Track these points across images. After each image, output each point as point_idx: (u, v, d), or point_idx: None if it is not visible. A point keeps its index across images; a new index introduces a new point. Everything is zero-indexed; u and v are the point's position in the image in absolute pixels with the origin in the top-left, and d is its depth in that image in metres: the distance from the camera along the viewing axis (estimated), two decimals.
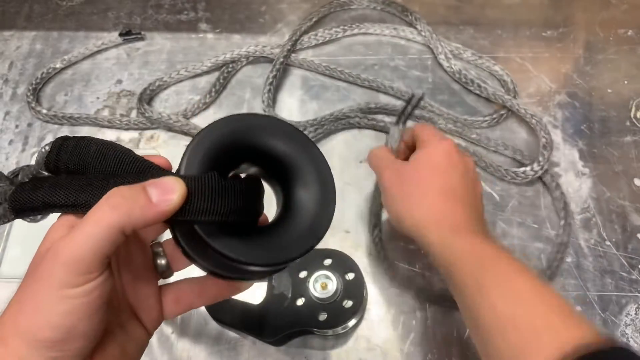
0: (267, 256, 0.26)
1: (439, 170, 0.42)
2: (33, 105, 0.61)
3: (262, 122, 0.28)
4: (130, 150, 0.27)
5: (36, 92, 0.63)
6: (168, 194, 0.24)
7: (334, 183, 0.28)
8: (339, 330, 0.47)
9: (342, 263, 0.48)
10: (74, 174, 0.27)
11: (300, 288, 0.47)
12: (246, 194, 0.26)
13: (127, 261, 0.29)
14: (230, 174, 0.28)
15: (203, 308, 0.49)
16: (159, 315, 0.30)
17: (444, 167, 0.42)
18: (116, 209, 0.23)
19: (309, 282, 0.47)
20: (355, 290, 0.47)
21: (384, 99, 0.61)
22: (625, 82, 0.61)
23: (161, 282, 0.31)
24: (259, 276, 0.30)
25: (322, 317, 0.46)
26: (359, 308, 0.46)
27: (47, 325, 0.23)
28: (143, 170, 0.26)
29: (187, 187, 0.24)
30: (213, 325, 0.49)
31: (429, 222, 0.40)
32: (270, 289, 0.47)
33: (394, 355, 0.48)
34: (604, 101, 0.60)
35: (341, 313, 0.46)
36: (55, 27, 0.69)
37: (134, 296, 0.30)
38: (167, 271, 0.31)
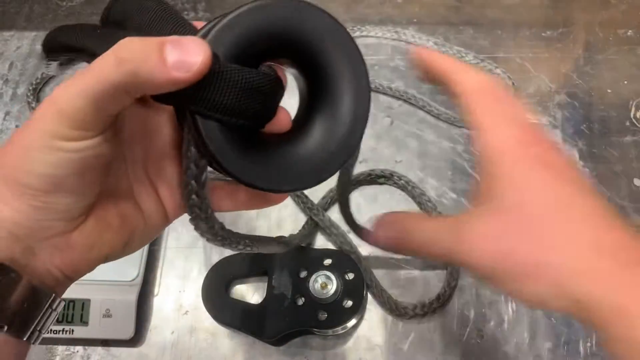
0: (290, 179, 0.24)
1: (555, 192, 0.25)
2: (33, 105, 0.61)
3: (318, 21, 0.25)
4: (176, 11, 0.23)
5: (36, 93, 0.63)
6: (188, 56, 0.20)
7: (369, 100, 0.25)
8: (339, 330, 0.47)
9: (342, 263, 0.48)
10: (115, 26, 0.24)
11: (300, 288, 0.47)
12: (270, 95, 0.23)
13: (149, 136, 0.26)
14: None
15: (203, 308, 0.49)
16: (181, 202, 0.27)
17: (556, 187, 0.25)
18: (121, 65, 0.20)
19: (309, 282, 0.47)
20: (355, 290, 0.47)
21: (383, 99, 0.61)
22: (625, 82, 0.61)
23: None
24: (287, 190, 0.26)
25: (322, 317, 0.46)
26: (359, 308, 0.46)
27: (32, 172, 0.21)
28: (177, 26, 0.23)
29: (213, 55, 0.20)
30: (213, 325, 0.49)
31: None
32: (270, 288, 0.47)
33: (394, 355, 0.48)
34: (604, 101, 0.60)
35: (341, 313, 0.46)
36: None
37: (156, 172, 0.27)
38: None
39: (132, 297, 0.48)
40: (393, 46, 0.65)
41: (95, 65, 0.20)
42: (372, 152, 0.56)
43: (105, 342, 0.49)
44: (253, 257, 0.50)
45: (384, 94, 0.61)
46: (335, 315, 0.46)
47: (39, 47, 0.67)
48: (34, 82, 0.63)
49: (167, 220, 0.28)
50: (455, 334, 0.48)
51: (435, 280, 0.50)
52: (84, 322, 0.48)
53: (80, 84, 0.20)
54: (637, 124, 0.58)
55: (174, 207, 0.27)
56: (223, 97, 0.21)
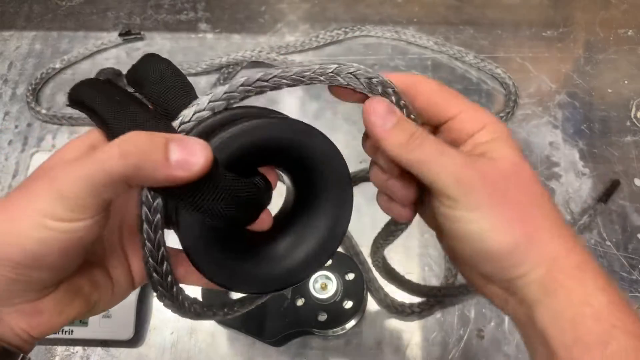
0: (260, 284, 0.25)
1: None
2: (32, 105, 0.61)
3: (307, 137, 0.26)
4: (190, 85, 0.25)
5: (36, 92, 0.63)
6: (191, 157, 0.21)
7: (350, 209, 0.27)
8: (339, 330, 0.47)
9: (342, 263, 0.48)
10: (134, 88, 0.25)
11: (300, 288, 0.47)
12: (257, 206, 0.25)
13: (127, 209, 0.27)
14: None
15: None
16: None
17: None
18: (125, 158, 0.20)
19: (309, 282, 0.47)
20: (355, 291, 0.47)
21: None
22: (626, 82, 0.61)
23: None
24: (252, 293, 0.28)
25: (322, 317, 0.46)
26: (359, 308, 0.46)
27: (18, 246, 0.21)
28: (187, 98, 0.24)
29: (213, 159, 0.21)
30: (213, 325, 0.49)
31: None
32: None
33: (394, 355, 0.47)
34: (604, 101, 0.60)
35: (341, 313, 0.46)
36: (55, 27, 0.69)
37: (130, 242, 0.28)
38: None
39: (132, 297, 0.48)
40: (393, 46, 0.64)
41: (99, 154, 0.21)
42: None
43: (105, 343, 0.49)
44: None
45: None
46: (335, 316, 0.46)
47: (38, 46, 0.67)
48: (34, 82, 0.62)
49: (133, 287, 0.29)
50: (455, 334, 0.48)
51: (434, 281, 0.50)
52: (83, 322, 0.48)
53: (83, 169, 0.21)
54: (638, 124, 0.58)
55: (142, 276, 0.28)
56: (213, 202, 0.22)
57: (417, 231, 0.53)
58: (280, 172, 0.27)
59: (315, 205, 0.26)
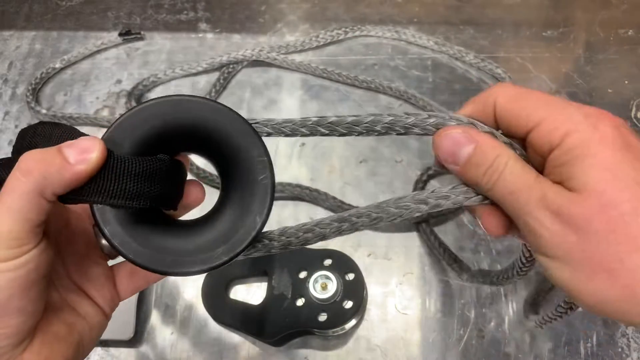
0: (168, 262, 0.25)
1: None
2: (32, 105, 0.61)
3: (208, 110, 0.25)
4: (80, 132, 0.26)
5: (35, 92, 0.63)
6: (86, 153, 0.22)
7: (270, 194, 0.26)
8: (339, 330, 0.47)
9: (342, 263, 0.48)
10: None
11: (300, 288, 0.47)
12: (166, 179, 0.25)
13: (70, 242, 0.28)
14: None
15: (202, 308, 0.49)
16: (112, 293, 0.30)
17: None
18: (29, 173, 0.22)
19: (309, 282, 0.46)
20: (355, 291, 0.47)
21: (383, 98, 0.61)
22: (626, 82, 0.61)
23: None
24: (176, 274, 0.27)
25: (322, 317, 0.46)
26: (359, 308, 0.46)
27: None
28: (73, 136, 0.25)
29: (107, 149, 0.23)
30: (213, 325, 0.49)
31: None
32: (270, 289, 0.47)
33: (394, 355, 0.47)
34: (605, 101, 0.60)
35: (341, 313, 0.46)
36: (55, 27, 0.69)
37: (81, 276, 0.29)
38: (114, 251, 0.28)
39: (132, 297, 0.48)
40: (393, 46, 0.64)
41: (6, 185, 0.22)
42: (372, 152, 0.56)
43: (105, 343, 0.49)
44: (253, 258, 0.50)
45: (384, 93, 0.61)
46: (335, 315, 0.46)
47: (38, 46, 0.67)
48: (33, 82, 0.62)
49: (106, 316, 0.30)
50: (456, 334, 0.48)
51: (434, 281, 0.50)
52: None
53: (1, 207, 0.22)
54: (638, 124, 0.58)
55: (108, 303, 0.29)
56: (117, 184, 0.23)
57: (417, 231, 0.52)
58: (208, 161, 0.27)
59: (229, 195, 0.26)
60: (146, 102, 0.25)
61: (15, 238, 0.22)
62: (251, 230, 0.25)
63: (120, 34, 0.65)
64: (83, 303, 0.28)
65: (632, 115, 0.59)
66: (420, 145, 0.57)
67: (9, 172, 0.23)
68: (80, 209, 0.29)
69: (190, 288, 0.51)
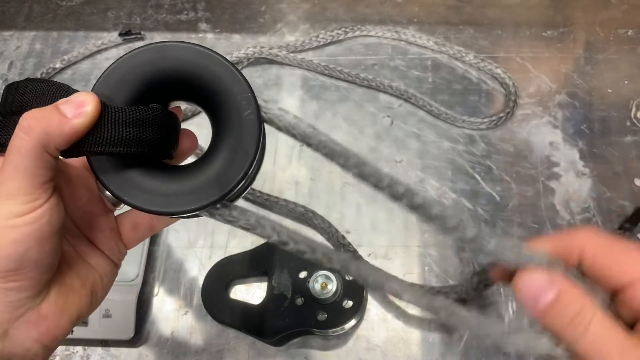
0: (164, 203, 0.25)
1: None
2: None
3: (196, 55, 0.26)
4: (68, 87, 0.26)
5: None
6: (81, 107, 0.23)
7: (258, 128, 0.26)
8: (339, 330, 0.47)
9: None
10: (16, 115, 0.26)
11: (300, 288, 0.47)
12: (159, 126, 0.25)
13: (74, 198, 0.29)
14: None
15: (202, 308, 0.49)
16: (118, 244, 0.31)
17: None
18: (31, 130, 0.23)
19: (309, 282, 0.47)
20: (355, 290, 0.47)
21: (383, 98, 0.61)
22: (626, 82, 0.61)
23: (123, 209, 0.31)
24: (181, 215, 0.27)
25: (322, 317, 0.46)
26: (359, 308, 0.46)
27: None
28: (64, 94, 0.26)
29: (100, 101, 0.24)
30: (213, 325, 0.49)
31: None
32: (270, 289, 0.47)
33: (394, 355, 0.47)
34: (604, 101, 0.60)
35: (341, 313, 0.46)
36: (55, 27, 0.69)
37: (89, 230, 0.30)
38: (118, 201, 0.30)
39: (132, 297, 0.48)
40: (393, 46, 0.64)
41: (11, 145, 0.23)
42: (372, 152, 0.56)
43: (105, 343, 0.49)
44: (253, 257, 0.50)
45: (385, 92, 0.61)
46: (335, 315, 0.46)
47: (38, 46, 0.67)
48: None
49: (116, 265, 0.31)
50: (456, 335, 0.48)
51: (435, 281, 0.50)
52: (83, 322, 0.48)
53: (9, 166, 0.23)
54: (638, 124, 0.58)
55: (116, 254, 0.31)
56: (113, 133, 0.24)
57: (417, 231, 0.53)
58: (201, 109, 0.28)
59: (221, 137, 0.26)
60: (131, 51, 0.26)
61: (26, 194, 0.23)
62: (242, 166, 0.26)
63: (120, 34, 0.65)
64: (93, 255, 0.30)
65: (632, 115, 0.59)
66: (420, 145, 0.57)
67: (2, 134, 0.24)
68: (79, 163, 0.30)
69: (190, 288, 0.51)
